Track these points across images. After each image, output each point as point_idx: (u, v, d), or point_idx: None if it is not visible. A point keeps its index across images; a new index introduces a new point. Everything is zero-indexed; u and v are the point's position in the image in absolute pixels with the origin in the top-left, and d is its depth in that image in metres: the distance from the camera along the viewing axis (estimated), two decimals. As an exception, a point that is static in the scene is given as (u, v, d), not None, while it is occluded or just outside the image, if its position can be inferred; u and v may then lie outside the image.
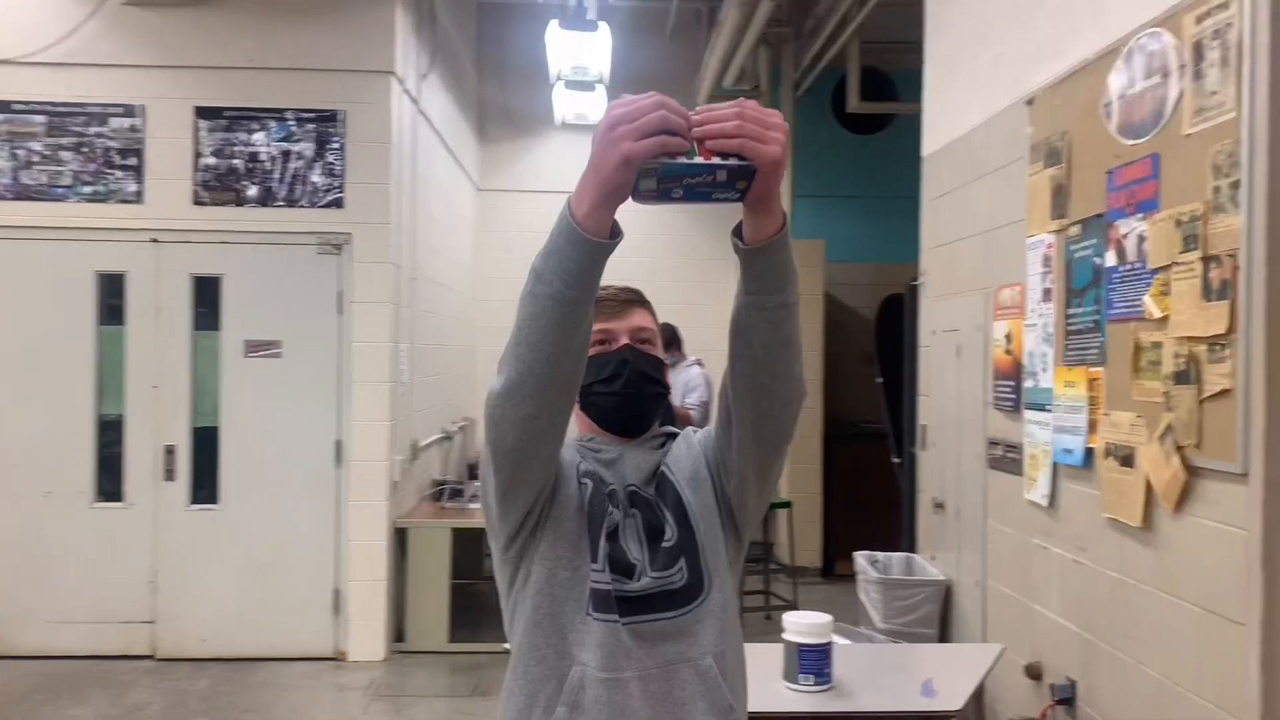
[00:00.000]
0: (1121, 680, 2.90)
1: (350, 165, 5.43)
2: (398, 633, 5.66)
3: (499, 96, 8.88)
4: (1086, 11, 3.14)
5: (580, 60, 7.06)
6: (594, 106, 8.18)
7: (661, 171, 1.19)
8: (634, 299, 1.65)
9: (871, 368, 8.35)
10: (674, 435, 1.68)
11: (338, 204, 5.43)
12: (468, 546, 6.67)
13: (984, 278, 3.88)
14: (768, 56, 8.09)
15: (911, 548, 6.69)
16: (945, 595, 4.21)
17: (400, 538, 5.66)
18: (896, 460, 7.32)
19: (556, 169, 8.91)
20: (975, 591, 3.94)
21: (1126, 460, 2.84)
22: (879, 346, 7.75)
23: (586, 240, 1.26)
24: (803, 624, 2.85)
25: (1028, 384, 3.48)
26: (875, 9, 6.83)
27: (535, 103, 8.81)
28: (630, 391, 1.59)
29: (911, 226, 8.80)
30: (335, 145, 5.41)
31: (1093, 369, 3.04)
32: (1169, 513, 2.64)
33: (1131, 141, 2.84)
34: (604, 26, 6.46)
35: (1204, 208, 2.50)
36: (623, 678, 1.46)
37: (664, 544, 1.53)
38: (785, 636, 2.87)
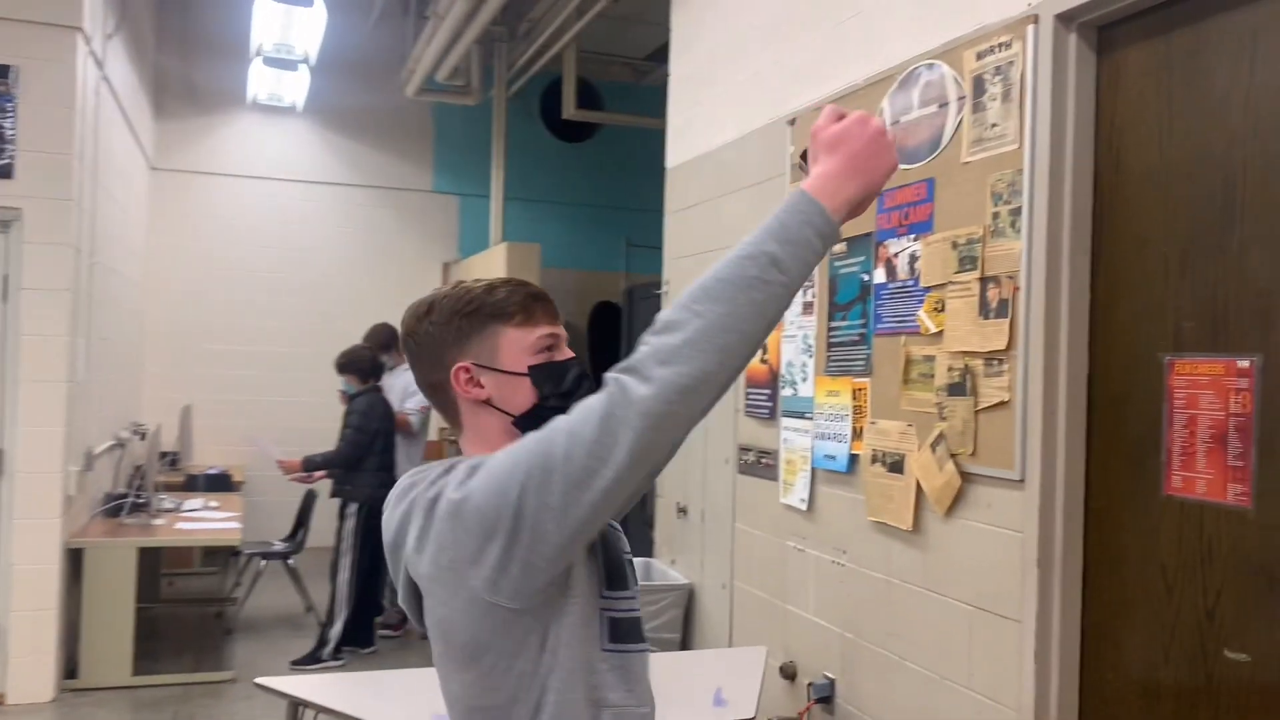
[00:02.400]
0: (884, 677, 3.05)
1: (24, 130, 4.69)
2: (70, 668, 4.95)
3: (180, 69, 8.08)
4: (857, 38, 3.29)
5: (286, 38, 6.58)
6: (295, 87, 7.66)
7: None
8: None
9: (575, 373, 8.40)
10: None
11: (5, 173, 4.67)
12: (148, 567, 5.99)
13: (736, 289, 3.96)
14: (479, 55, 7.93)
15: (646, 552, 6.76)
16: (688, 599, 4.28)
17: (74, 559, 4.95)
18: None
19: (244, 151, 8.24)
20: (721, 594, 4.03)
21: (895, 467, 2.99)
22: (591, 354, 7.82)
23: (836, 236, 1.24)
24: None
25: (785, 392, 3.60)
26: (586, 20, 6.88)
27: (222, 79, 8.11)
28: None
29: (615, 235, 9.03)
30: (6, 106, 4.65)
31: (858, 379, 3.19)
32: (940, 517, 2.81)
33: (905, 166, 3.00)
34: (320, 3, 6.05)
35: (983, 231, 2.68)
36: (646, 711, 1.35)
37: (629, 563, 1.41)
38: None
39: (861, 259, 3.19)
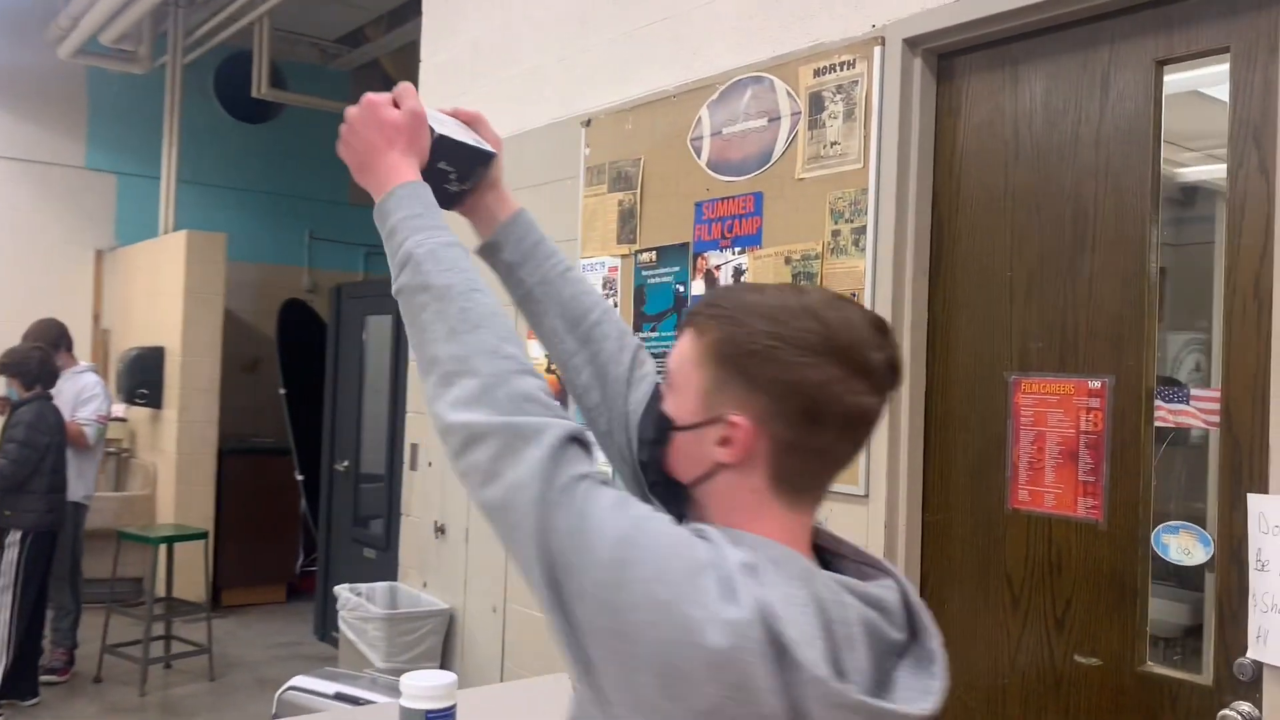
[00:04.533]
0: (700, 696, 2.98)
1: None
2: None
3: None
4: (666, 43, 3.21)
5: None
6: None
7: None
8: (685, 320, 1.14)
9: (254, 376, 7.75)
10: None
11: None
12: None
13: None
14: (151, 19, 7.05)
15: (309, 569, 6.28)
16: (448, 625, 4.00)
17: None
18: (300, 478, 6.86)
19: None
20: (492, 618, 3.80)
21: (717, 483, 2.94)
22: (282, 357, 7.19)
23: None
24: (426, 687, 2.45)
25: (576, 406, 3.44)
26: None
27: None
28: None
29: (297, 227, 8.37)
30: None
31: (672, 393, 3.10)
32: (769, 533, 2.79)
33: (728, 178, 2.95)
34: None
35: (821, 248, 2.69)
36: None
37: None
38: (404, 703, 2.45)
39: (675, 269, 3.11)
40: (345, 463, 6.00)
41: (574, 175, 3.49)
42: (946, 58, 2.58)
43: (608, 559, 0.90)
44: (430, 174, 1.28)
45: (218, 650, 5.56)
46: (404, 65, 8.02)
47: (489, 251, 1.41)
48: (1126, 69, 2.25)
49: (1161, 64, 2.21)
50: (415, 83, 4.37)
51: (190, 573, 5.87)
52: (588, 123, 3.47)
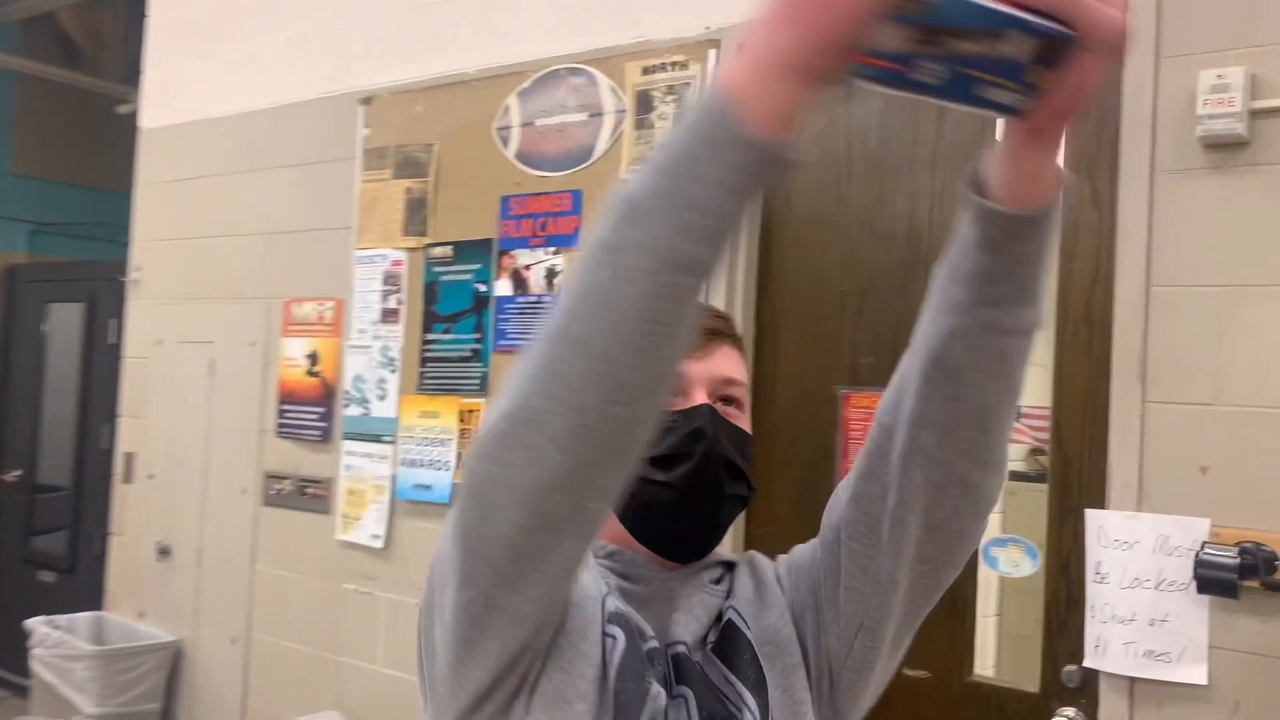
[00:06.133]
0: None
1: None
2: None
3: None
4: (461, 22, 2.98)
5: None
6: None
7: (931, 15, 0.60)
8: (723, 329, 1.02)
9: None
10: (731, 564, 1.06)
11: None
12: None
13: (264, 285, 3.35)
14: None
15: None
16: (174, 660, 3.50)
17: None
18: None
19: None
20: (231, 650, 3.36)
21: (521, 498, 2.75)
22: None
23: (746, 143, 0.62)
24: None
25: (351, 412, 3.12)
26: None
27: None
28: (701, 485, 0.95)
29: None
30: None
31: (469, 400, 2.87)
32: (581, 551, 2.64)
33: (542, 173, 2.78)
34: None
35: (647, 253, 2.58)
36: None
37: None
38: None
39: (476, 267, 2.88)
40: (17, 472, 5.17)
41: (348, 157, 3.16)
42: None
43: None
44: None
45: None
46: (89, 24, 7.08)
47: (1014, 224, 0.74)
48: (964, 95, 2.31)
49: (998, 93, 2.28)
50: (132, 46, 3.86)
51: None
52: (367, 101, 3.16)
